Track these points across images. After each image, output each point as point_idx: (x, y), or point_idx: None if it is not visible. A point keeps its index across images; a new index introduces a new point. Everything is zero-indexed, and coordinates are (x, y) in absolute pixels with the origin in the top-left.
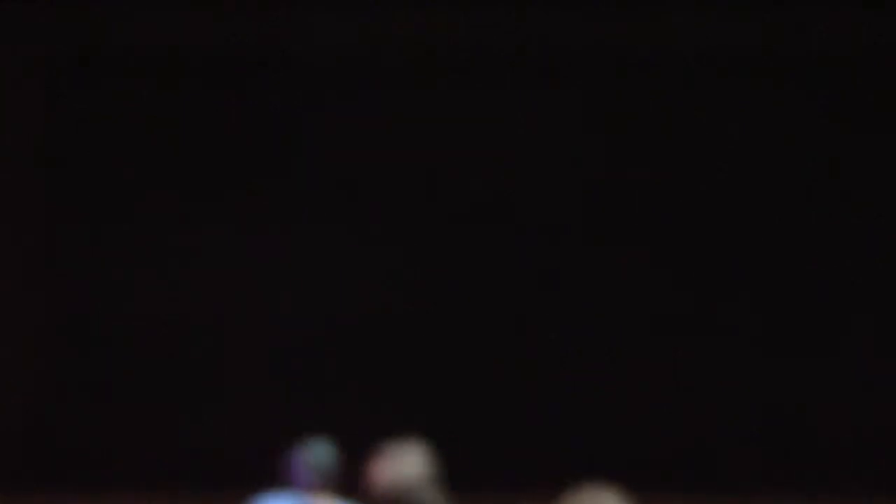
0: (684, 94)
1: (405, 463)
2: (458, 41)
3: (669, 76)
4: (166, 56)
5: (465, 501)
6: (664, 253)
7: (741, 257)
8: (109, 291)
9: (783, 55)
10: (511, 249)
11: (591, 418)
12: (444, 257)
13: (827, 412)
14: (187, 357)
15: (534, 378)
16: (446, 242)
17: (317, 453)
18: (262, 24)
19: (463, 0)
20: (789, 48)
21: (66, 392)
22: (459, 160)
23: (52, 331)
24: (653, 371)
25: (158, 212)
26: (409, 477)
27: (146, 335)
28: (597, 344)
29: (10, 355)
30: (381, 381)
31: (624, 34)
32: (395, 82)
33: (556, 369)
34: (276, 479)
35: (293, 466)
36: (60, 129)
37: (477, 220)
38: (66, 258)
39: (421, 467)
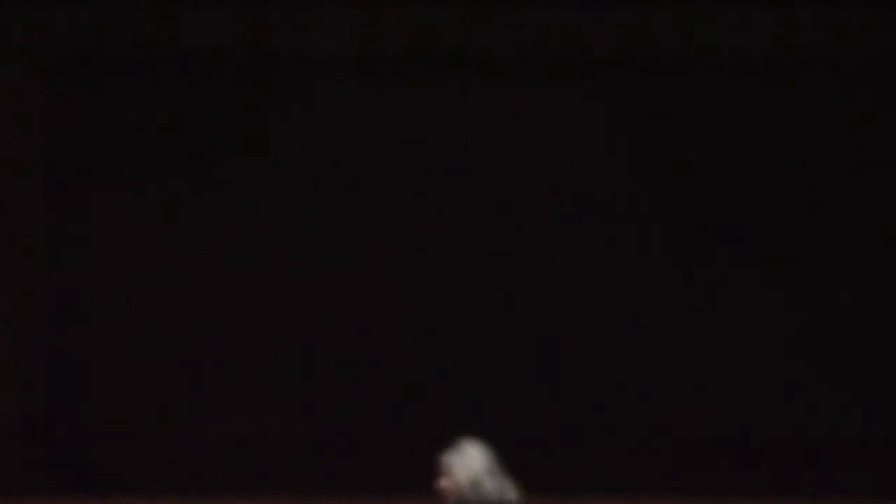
0: (696, 93)
1: (465, 460)
2: (470, 38)
3: (680, 74)
4: (166, 56)
5: None
6: (671, 250)
7: (742, 256)
8: (110, 291)
9: (799, 55)
10: (514, 247)
11: (593, 416)
12: (448, 256)
13: (826, 412)
14: (188, 357)
15: (534, 378)
16: (450, 240)
17: None
18: (261, 24)
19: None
20: (805, 48)
21: (65, 392)
22: (464, 158)
23: (52, 331)
24: (655, 371)
25: (159, 211)
26: (472, 473)
27: (147, 335)
28: (601, 342)
29: (9, 355)
30: (379, 380)
31: (636, 33)
32: (397, 81)
33: (555, 369)
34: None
35: None
36: (60, 129)
37: (481, 218)
38: (67, 257)
39: (483, 462)
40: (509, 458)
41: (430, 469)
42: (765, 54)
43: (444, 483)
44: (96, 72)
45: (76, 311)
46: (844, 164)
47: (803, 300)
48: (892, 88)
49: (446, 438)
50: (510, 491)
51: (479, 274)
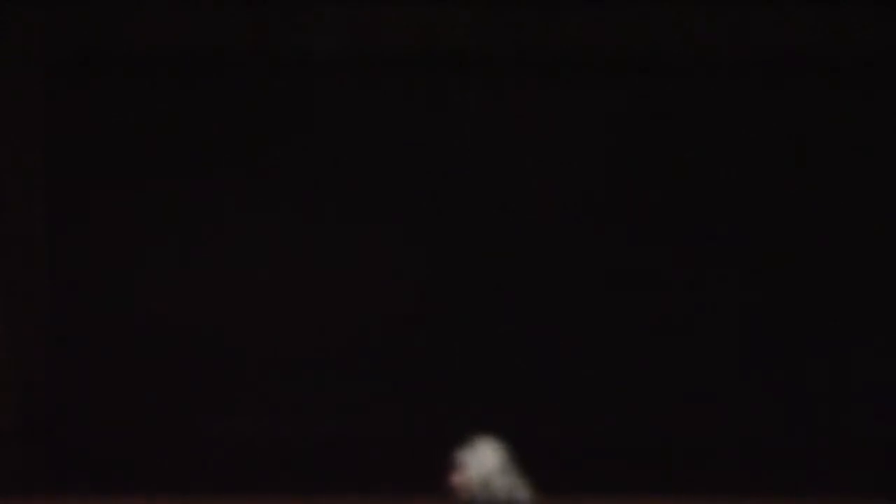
0: (696, 93)
1: (479, 457)
2: (470, 38)
3: (680, 74)
4: (166, 56)
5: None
6: (671, 250)
7: (743, 256)
8: (110, 290)
9: (799, 55)
10: (514, 247)
11: (593, 416)
12: (448, 255)
13: (826, 412)
14: (188, 357)
15: (534, 378)
16: (450, 240)
17: None
18: (261, 23)
19: None
20: (805, 48)
21: (65, 392)
22: (464, 158)
23: (52, 331)
24: (655, 371)
25: (159, 211)
26: (485, 470)
27: (147, 335)
28: (601, 342)
29: (9, 355)
30: (379, 380)
31: (636, 33)
32: (397, 81)
33: (555, 369)
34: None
35: None
36: (60, 129)
37: (480, 217)
38: (67, 257)
39: (496, 460)
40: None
41: (430, 469)
42: (765, 54)
43: (456, 478)
44: (96, 72)
45: (76, 311)
46: (844, 163)
47: (805, 301)
48: (892, 88)
49: (446, 438)
50: (521, 490)
51: (479, 273)
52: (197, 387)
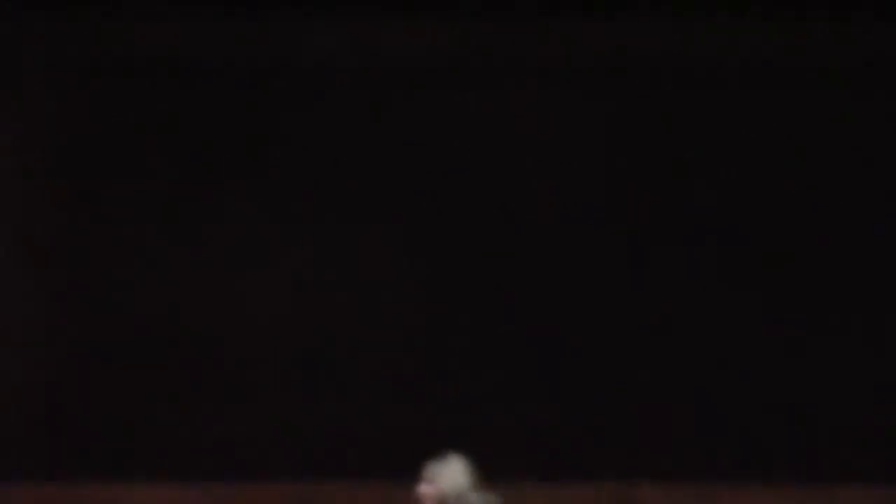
0: (698, 98)
1: (452, 471)
2: (472, 50)
3: (682, 82)
4: (168, 61)
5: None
6: (672, 254)
7: (742, 258)
8: (110, 290)
9: (804, 64)
10: (519, 249)
11: (593, 414)
12: (448, 261)
13: (826, 406)
14: (189, 357)
15: (532, 375)
16: (450, 247)
17: None
18: (263, 34)
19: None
20: (810, 57)
21: (65, 392)
22: (466, 168)
23: (53, 331)
24: (656, 370)
25: (161, 211)
26: (458, 485)
27: (148, 334)
28: (601, 343)
29: (9, 355)
30: (379, 380)
31: (638, 40)
32: (398, 91)
33: (555, 368)
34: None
35: None
36: (61, 129)
37: (482, 226)
38: (67, 257)
39: (468, 475)
40: (507, 456)
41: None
42: (764, 56)
43: (426, 489)
44: (97, 75)
45: (76, 311)
46: (844, 165)
47: (805, 302)
48: (892, 89)
49: (445, 437)
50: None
51: (480, 274)
52: (197, 387)
